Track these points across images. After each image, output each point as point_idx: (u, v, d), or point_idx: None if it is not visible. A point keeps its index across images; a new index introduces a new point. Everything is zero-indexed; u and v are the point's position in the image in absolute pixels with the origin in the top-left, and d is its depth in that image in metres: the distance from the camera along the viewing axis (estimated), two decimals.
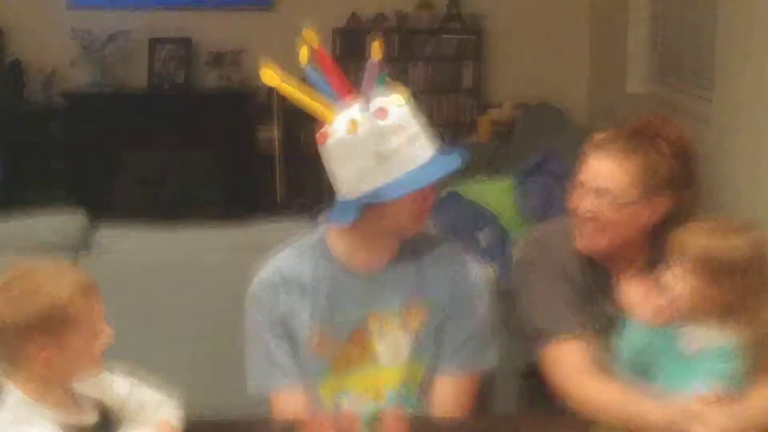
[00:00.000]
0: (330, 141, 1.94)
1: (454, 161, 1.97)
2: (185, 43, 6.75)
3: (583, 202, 2.08)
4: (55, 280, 1.68)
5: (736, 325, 1.84)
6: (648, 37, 5.53)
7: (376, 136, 1.91)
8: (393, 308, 2.06)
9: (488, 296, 2.13)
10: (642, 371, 1.93)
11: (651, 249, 2.10)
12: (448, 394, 2.08)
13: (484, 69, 6.77)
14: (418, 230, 2.06)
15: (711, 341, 1.86)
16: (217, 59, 6.75)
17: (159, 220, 3.37)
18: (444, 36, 6.69)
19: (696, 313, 1.88)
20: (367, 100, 1.92)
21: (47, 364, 1.67)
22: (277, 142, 6.55)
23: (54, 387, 1.71)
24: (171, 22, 6.71)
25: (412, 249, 2.09)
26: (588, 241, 2.10)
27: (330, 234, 2.09)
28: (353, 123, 1.90)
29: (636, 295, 2.02)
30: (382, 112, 1.92)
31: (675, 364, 1.89)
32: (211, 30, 6.73)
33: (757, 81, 3.60)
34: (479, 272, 2.13)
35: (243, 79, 6.71)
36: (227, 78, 6.72)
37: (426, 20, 6.72)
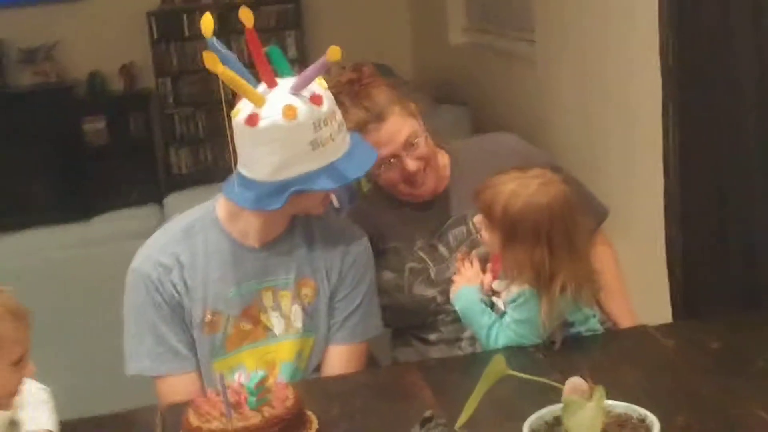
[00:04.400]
0: (263, 124, 1.86)
1: (373, 149, 1.99)
2: None
3: (409, 164, 2.17)
4: None
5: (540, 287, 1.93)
6: None
7: (314, 123, 1.87)
8: (286, 281, 2.05)
9: (372, 265, 2.16)
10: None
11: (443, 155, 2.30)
12: (340, 362, 2.09)
13: (307, 36, 6.77)
14: (322, 212, 2.06)
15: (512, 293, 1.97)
16: (30, 56, 6.56)
17: None
18: (262, 8, 6.62)
19: (504, 264, 1.98)
20: (304, 87, 1.88)
21: None
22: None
23: None
24: None
25: (304, 222, 2.09)
26: (422, 187, 2.22)
27: (223, 210, 2.05)
28: (291, 108, 1.85)
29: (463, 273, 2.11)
30: (318, 99, 1.88)
31: (494, 332, 1.99)
32: (21, 27, 6.51)
33: (577, 16, 3.72)
34: (367, 243, 2.15)
35: (60, 72, 6.56)
36: (43, 74, 6.54)
37: None
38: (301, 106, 1.86)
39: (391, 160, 2.16)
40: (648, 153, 2.86)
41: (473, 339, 2.17)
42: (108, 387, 2.09)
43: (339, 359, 2.10)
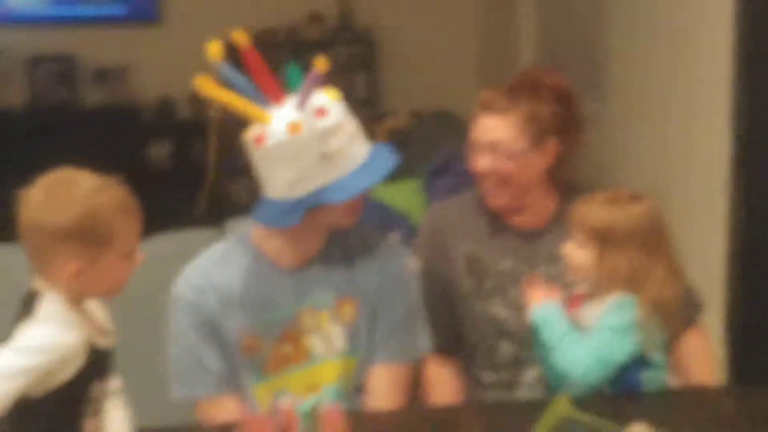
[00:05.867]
0: (269, 143, 1.89)
1: (392, 157, 1.97)
2: (67, 60, 6.59)
3: (480, 160, 2.16)
4: (99, 193, 1.65)
5: (635, 291, 1.92)
6: (537, 43, 5.62)
7: (320, 136, 1.89)
8: (325, 302, 2.04)
9: (416, 284, 2.13)
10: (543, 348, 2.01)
11: (554, 195, 2.27)
12: (383, 384, 2.06)
13: (378, 78, 6.80)
14: (351, 225, 2.04)
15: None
16: (102, 76, 6.62)
17: None
18: (335, 48, 6.68)
19: (596, 282, 1.96)
20: (306, 101, 1.88)
21: (75, 276, 1.62)
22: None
23: (82, 302, 1.68)
24: (52, 40, 6.54)
25: (340, 240, 2.06)
26: (492, 197, 2.21)
27: (256, 233, 2.06)
28: (295, 124, 1.87)
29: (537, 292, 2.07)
30: (322, 112, 1.90)
31: (574, 341, 1.94)
32: (95, 47, 6.59)
33: (648, 77, 3.69)
34: (406, 260, 2.13)
35: (129, 95, 6.61)
36: (113, 94, 6.58)
37: (316, 33, 6.72)
38: (305, 120, 1.88)
39: (471, 146, 2.17)
40: (711, 216, 2.82)
41: (532, 386, 2.10)
42: (155, 401, 2.05)
43: (382, 380, 2.06)
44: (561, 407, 1.53)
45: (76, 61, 6.61)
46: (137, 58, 6.57)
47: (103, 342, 1.70)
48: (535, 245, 2.23)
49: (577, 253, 1.97)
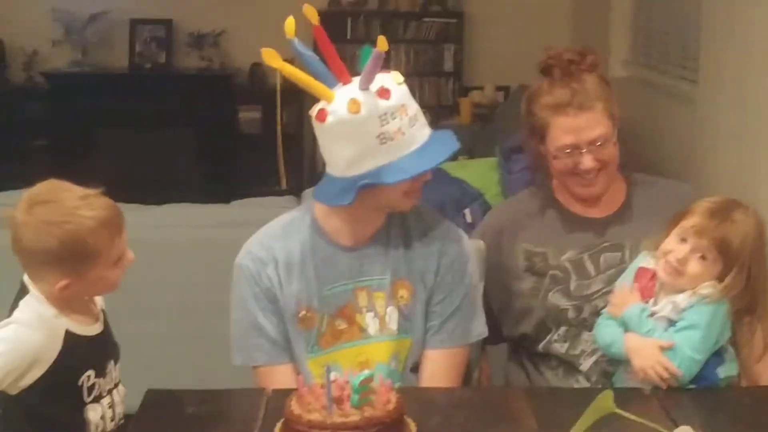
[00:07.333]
0: (330, 120, 1.91)
1: (452, 143, 1.98)
2: (166, 24, 6.75)
3: (585, 160, 2.14)
4: (78, 212, 1.67)
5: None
6: (631, 20, 5.53)
7: (380, 116, 1.90)
8: (381, 283, 2.06)
9: (476, 268, 2.14)
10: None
11: (621, 183, 2.28)
12: (437, 367, 2.07)
13: (466, 52, 6.78)
14: (410, 207, 2.06)
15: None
16: (198, 41, 6.75)
17: (139, 198, 3.35)
18: (425, 19, 6.70)
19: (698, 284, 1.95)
20: (368, 81, 1.90)
21: (64, 290, 1.68)
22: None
23: (70, 301, 1.73)
24: (152, 3, 6.70)
25: (400, 222, 2.08)
26: (594, 187, 2.20)
27: (318, 208, 2.09)
28: (355, 103, 1.88)
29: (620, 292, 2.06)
30: (384, 92, 1.91)
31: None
32: (193, 11, 6.71)
33: (743, 60, 3.61)
34: (466, 244, 2.13)
35: (223, 60, 6.73)
36: (208, 59, 6.73)
37: (407, 4, 6.73)
38: (366, 100, 1.88)
39: (568, 150, 2.14)
40: None
41: (589, 374, 2.14)
42: (221, 364, 2.14)
43: (436, 364, 2.08)
44: (605, 403, 1.54)
45: (174, 26, 6.77)
46: (231, 24, 6.67)
47: (90, 330, 1.76)
48: (600, 234, 2.23)
49: (698, 266, 1.94)
